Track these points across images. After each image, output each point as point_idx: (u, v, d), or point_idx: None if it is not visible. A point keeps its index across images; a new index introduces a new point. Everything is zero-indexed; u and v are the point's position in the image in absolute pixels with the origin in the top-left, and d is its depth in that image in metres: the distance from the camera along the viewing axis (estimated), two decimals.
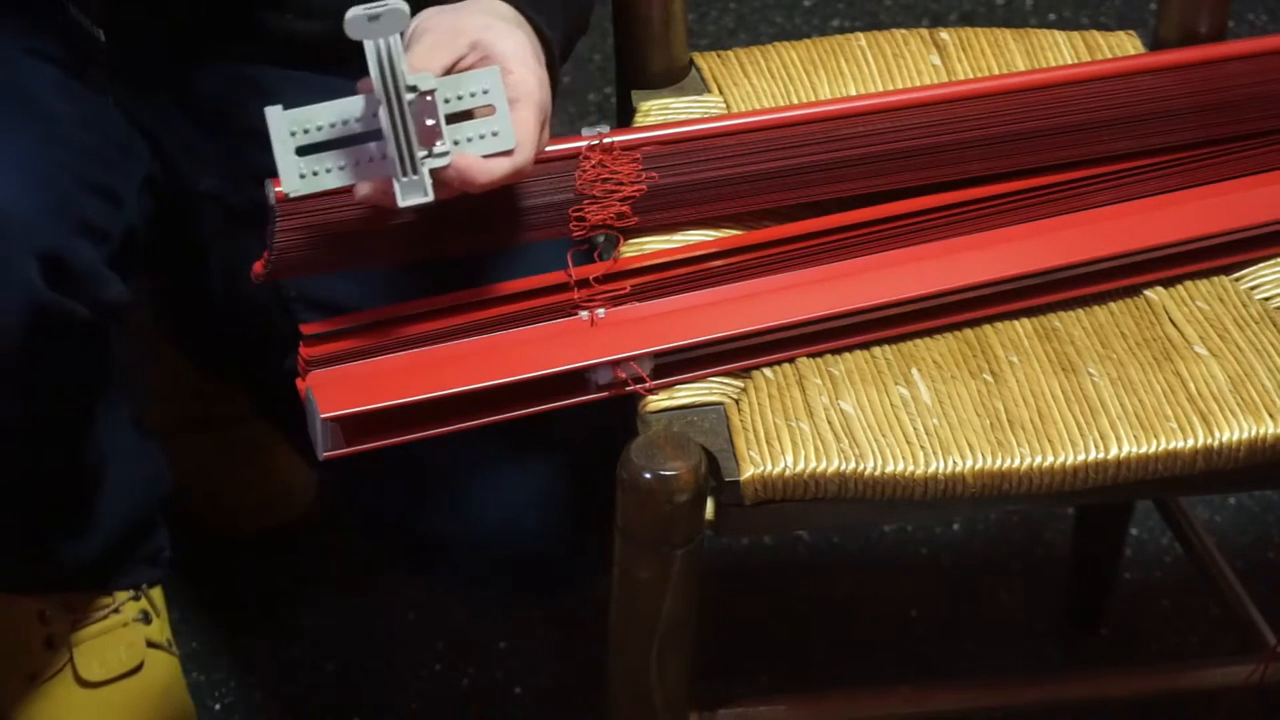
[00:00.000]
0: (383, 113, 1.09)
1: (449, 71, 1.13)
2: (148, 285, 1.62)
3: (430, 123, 1.10)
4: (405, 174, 1.09)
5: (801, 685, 1.65)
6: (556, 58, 1.22)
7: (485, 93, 1.12)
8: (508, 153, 1.13)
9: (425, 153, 1.10)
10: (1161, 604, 1.73)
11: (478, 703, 1.66)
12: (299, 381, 1.17)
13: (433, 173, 1.11)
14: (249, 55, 1.33)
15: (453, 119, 1.12)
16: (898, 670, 1.67)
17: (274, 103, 1.10)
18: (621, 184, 1.24)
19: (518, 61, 1.15)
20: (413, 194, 1.10)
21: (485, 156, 1.12)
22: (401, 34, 1.09)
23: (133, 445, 1.51)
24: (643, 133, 1.27)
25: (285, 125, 1.10)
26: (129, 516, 1.52)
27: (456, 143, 1.11)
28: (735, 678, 1.65)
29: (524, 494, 1.30)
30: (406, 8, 1.08)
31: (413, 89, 1.09)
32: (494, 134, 1.12)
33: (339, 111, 1.11)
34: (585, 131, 1.26)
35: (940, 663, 1.68)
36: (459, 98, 1.12)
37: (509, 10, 1.19)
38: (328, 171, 1.11)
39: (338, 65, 1.22)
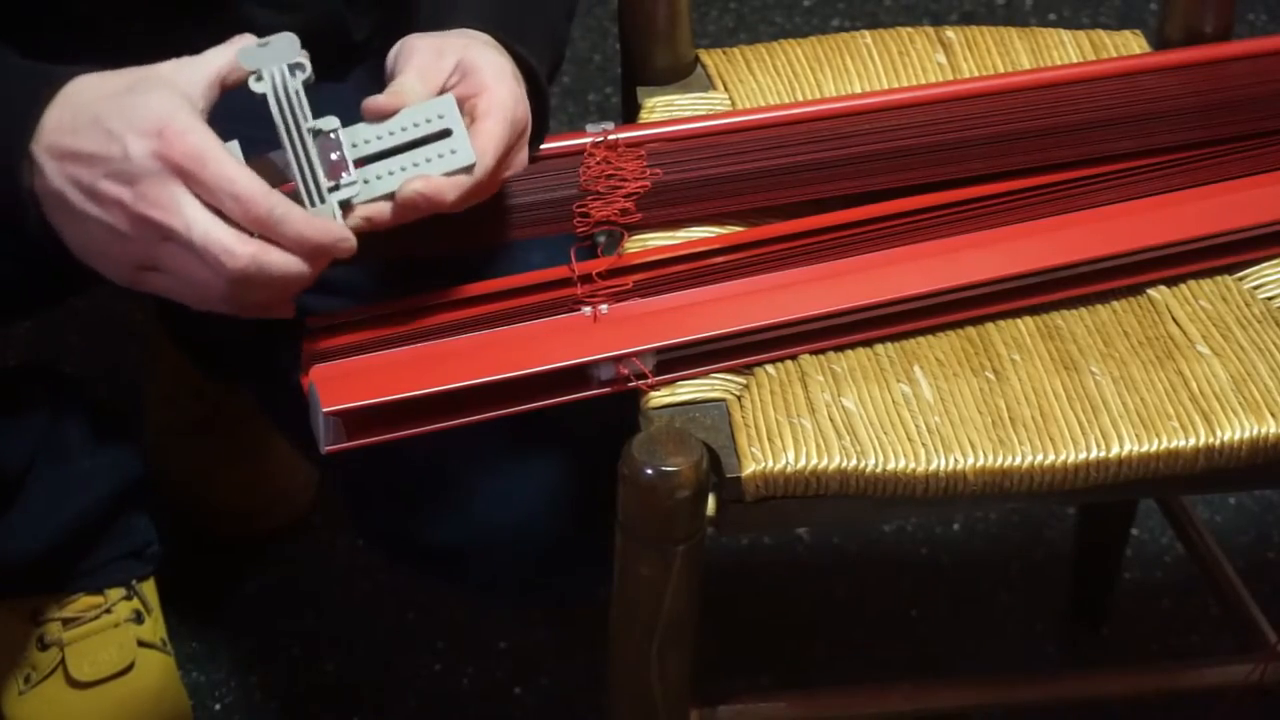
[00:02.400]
0: (285, 144, 1.10)
1: (441, 92, 1.15)
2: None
3: (335, 157, 1.11)
4: (313, 204, 1.10)
5: (802, 685, 1.66)
6: (544, 86, 1.22)
7: (440, 118, 1.13)
8: (470, 168, 1.13)
9: (333, 184, 1.11)
10: (1162, 604, 1.73)
11: (478, 703, 1.66)
12: (301, 376, 1.17)
13: (398, 196, 1.12)
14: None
15: (414, 145, 1.13)
16: (898, 670, 1.67)
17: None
18: (625, 180, 1.24)
19: (494, 77, 1.15)
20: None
21: (449, 175, 1.13)
22: (297, 67, 1.10)
23: (79, 443, 1.51)
24: (647, 129, 1.27)
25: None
26: (78, 518, 1.52)
27: (416, 164, 1.12)
28: (736, 678, 1.65)
29: (532, 496, 1.30)
30: (295, 36, 1.10)
31: (317, 131, 1.11)
32: (452, 152, 1.13)
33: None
34: (590, 128, 1.26)
35: (940, 662, 1.68)
36: (415, 125, 1.13)
37: (488, 38, 1.19)
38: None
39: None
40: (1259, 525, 1.79)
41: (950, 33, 1.40)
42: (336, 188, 1.11)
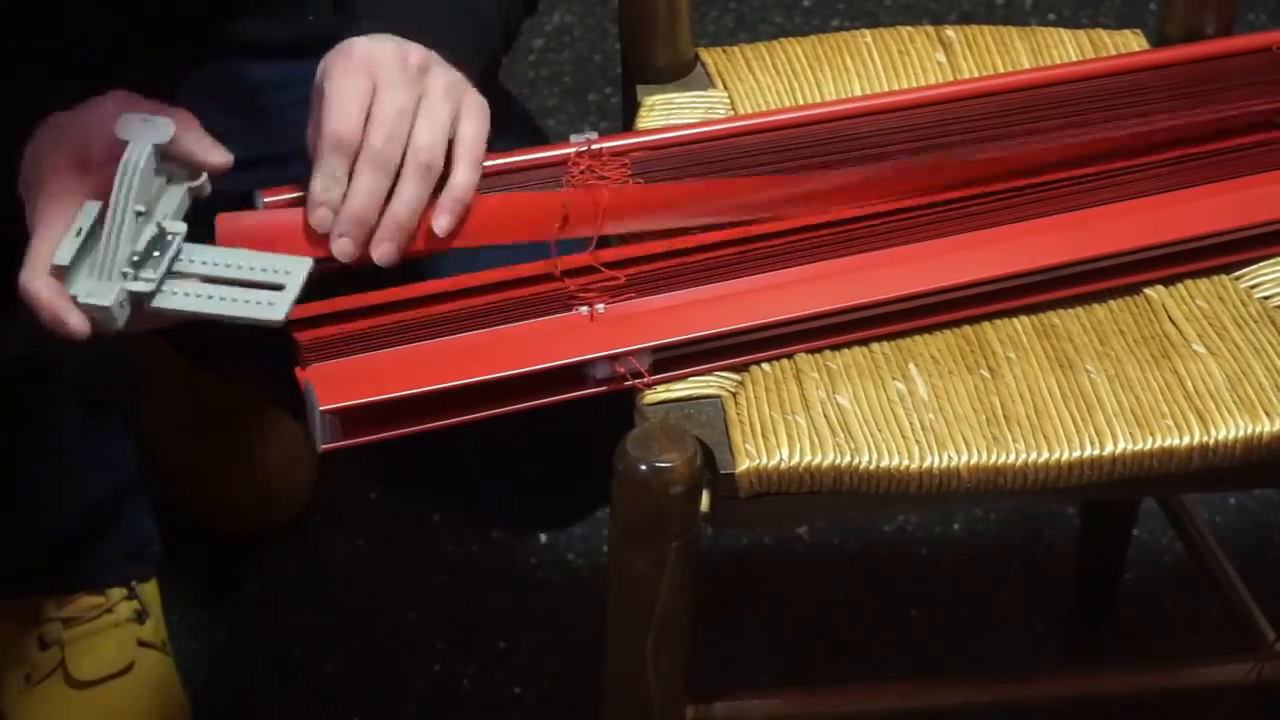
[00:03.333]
0: (109, 212, 1.12)
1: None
2: None
3: (155, 254, 1.13)
4: (98, 277, 1.11)
5: (802, 685, 1.65)
6: (467, 57, 1.23)
7: (288, 274, 1.14)
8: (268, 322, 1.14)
9: (132, 272, 1.12)
10: (1162, 604, 1.73)
11: (478, 703, 1.66)
12: (298, 372, 1.17)
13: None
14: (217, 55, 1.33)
15: (241, 283, 1.14)
16: (898, 670, 1.67)
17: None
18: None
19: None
20: (94, 294, 1.11)
21: (244, 321, 1.14)
22: (157, 148, 1.12)
23: (73, 444, 1.51)
24: (631, 138, 1.27)
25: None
26: (71, 518, 1.52)
27: (224, 299, 1.13)
28: (735, 678, 1.65)
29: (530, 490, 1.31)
30: (173, 125, 1.12)
31: (164, 232, 1.13)
32: (270, 304, 1.14)
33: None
34: (574, 138, 1.25)
35: (940, 662, 1.68)
36: (262, 270, 1.15)
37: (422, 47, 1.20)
38: None
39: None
40: (1259, 525, 1.79)
41: (950, 32, 1.40)
42: (134, 278, 1.12)
